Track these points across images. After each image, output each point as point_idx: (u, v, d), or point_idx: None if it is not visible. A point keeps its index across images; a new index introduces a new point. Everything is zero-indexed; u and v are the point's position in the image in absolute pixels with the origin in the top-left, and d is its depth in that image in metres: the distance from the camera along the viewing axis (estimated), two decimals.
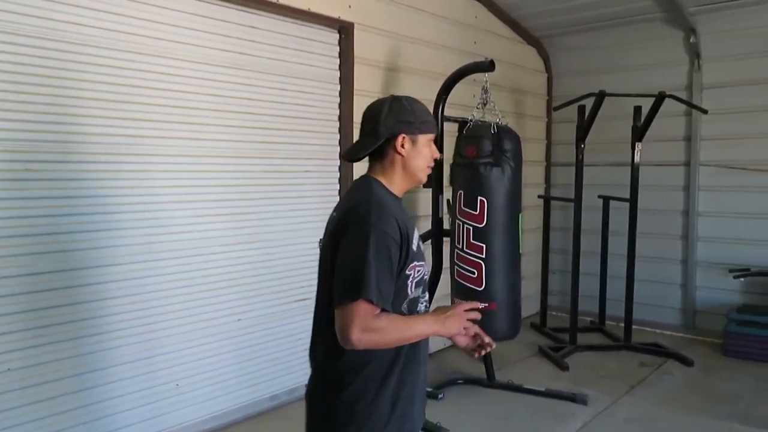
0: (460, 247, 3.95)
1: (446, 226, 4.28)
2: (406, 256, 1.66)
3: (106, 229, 3.20)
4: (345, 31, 4.30)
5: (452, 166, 4.16)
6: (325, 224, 1.80)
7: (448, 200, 4.27)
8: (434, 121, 1.82)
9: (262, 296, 3.90)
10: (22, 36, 2.84)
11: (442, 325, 1.68)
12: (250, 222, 3.81)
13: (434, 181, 4.22)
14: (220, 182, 3.69)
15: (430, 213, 4.30)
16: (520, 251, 4.03)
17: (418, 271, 1.73)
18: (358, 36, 4.33)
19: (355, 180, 1.84)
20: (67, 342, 3.07)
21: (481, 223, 3.86)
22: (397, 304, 1.67)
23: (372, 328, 1.55)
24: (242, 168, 3.77)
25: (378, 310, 1.56)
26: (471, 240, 3.88)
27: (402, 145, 1.73)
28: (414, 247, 1.71)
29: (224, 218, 3.71)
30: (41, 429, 2.98)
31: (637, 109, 5.35)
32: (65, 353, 3.06)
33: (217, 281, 3.69)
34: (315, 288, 1.78)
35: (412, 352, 1.72)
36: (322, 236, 1.79)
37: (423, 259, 1.77)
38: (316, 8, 4.01)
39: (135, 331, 3.33)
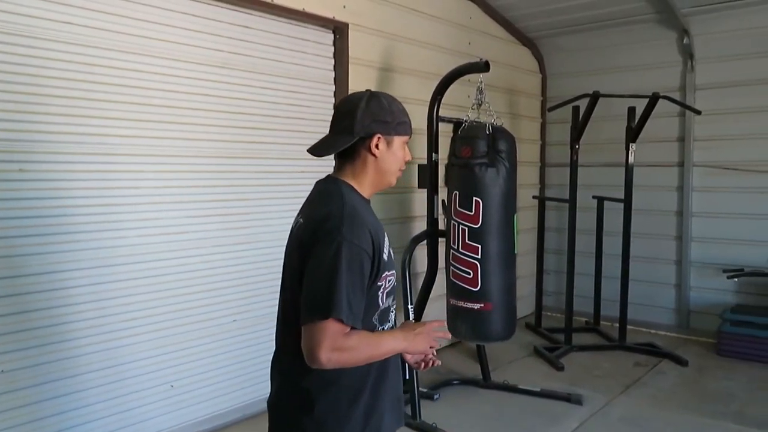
0: (456, 247, 3.95)
1: (441, 226, 4.28)
2: (378, 267, 1.58)
3: (100, 230, 3.18)
4: (339, 31, 4.30)
5: (447, 167, 4.16)
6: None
7: (443, 201, 4.27)
8: (410, 123, 1.73)
9: (257, 297, 3.89)
10: (15, 36, 2.83)
11: (411, 342, 1.63)
12: (244, 222, 3.79)
13: (429, 181, 4.22)
14: (215, 182, 3.68)
15: (425, 214, 4.31)
16: (515, 252, 4.04)
17: (389, 280, 1.65)
18: (353, 36, 4.33)
19: (322, 182, 1.73)
20: (61, 343, 3.05)
21: (477, 224, 3.86)
22: (369, 316, 1.60)
23: (342, 347, 1.47)
24: (237, 168, 3.76)
25: (348, 329, 1.48)
26: (466, 240, 3.88)
27: (377, 146, 1.65)
28: (385, 257, 1.63)
29: (218, 219, 3.70)
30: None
31: (631, 110, 5.36)
32: (59, 354, 3.04)
33: (212, 282, 3.67)
34: None
35: (384, 362, 1.66)
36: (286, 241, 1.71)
37: (394, 268, 1.69)
38: (310, 8, 4.01)
39: (131, 332, 3.32)
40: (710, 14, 5.35)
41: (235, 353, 3.78)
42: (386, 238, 1.69)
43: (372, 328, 1.63)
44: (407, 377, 4.03)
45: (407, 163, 1.76)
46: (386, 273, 1.63)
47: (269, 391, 1.75)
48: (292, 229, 1.70)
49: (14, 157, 2.87)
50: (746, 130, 5.40)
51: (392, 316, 1.73)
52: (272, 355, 1.75)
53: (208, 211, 3.66)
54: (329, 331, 1.46)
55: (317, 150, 1.71)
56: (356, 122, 1.63)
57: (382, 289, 1.62)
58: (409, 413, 3.85)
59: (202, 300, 3.64)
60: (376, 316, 1.63)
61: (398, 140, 1.69)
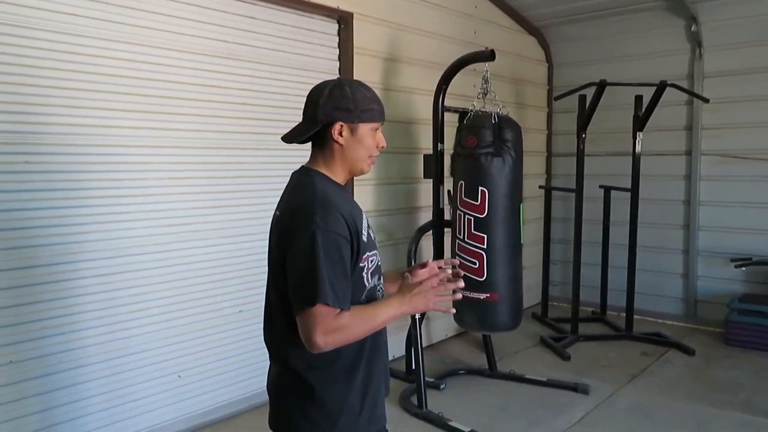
0: (462, 237, 3.94)
1: (447, 216, 4.27)
2: (358, 250, 1.63)
3: (107, 221, 3.20)
4: (344, 21, 4.28)
5: (453, 157, 4.15)
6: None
7: (448, 191, 4.26)
8: (380, 109, 1.72)
9: (263, 288, 3.83)
10: (21, 28, 2.83)
11: (409, 305, 1.64)
12: (250, 213, 3.79)
13: (435, 171, 4.21)
14: (221, 174, 3.68)
15: (431, 204, 4.30)
16: (522, 241, 4.03)
17: (371, 260, 1.70)
18: (358, 26, 4.31)
19: (296, 173, 1.76)
20: (70, 334, 3.07)
21: (482, 214, 3.85)
22: (356, 297, 1.64)
23: (335, 328, 1.53)
24: (243, 159, 3.76)
25: (337, 311, 1.54)
26: (472, 230, 3.87)
27: (340, 134, 1.67)
28: (364, 238, 1.66)
29: (225, 210, 3.71)
30: (50, 417, 3.00)
31: (638, 99, 5.32)
32: (68, 345, 3.07)
33: (218, 273, 3.69)
34: None
35: (374, 339, 1.71)
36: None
37: (375, 248, 1.74)
38: None
39: (139, 323, 3.34)
40: (718, 1, 5.30)
41: (242, 343, 3.80)
42: (364, 221, 1.72)
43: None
44: (413, 366, 4.05)
45: (382, 149, 1.77)
46: (367, 254, 1.67)
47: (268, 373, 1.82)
48: (272, 221, 1.75)
49: (20, 149, 2.88)
50: (755, 118, 5.35)
51: (380, 294, 1.77)
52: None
53: (215, 202, 3.66)
54: (319, 316, 1.52)
55: (287, 138, 1.77)
56: (318, 110, 1.67)
57: (365, 270, 1.67)
58: (416, 403, 3.87)
59: (208, 291, 3.66)
60: (363, 297, 1.68)
61: (364, 128, 1.69)
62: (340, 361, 1.65)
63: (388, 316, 1.63)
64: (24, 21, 2.84)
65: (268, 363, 1.80)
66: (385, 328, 1.77)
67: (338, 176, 1.73)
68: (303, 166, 1.77)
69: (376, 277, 1.74)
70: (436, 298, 1.67)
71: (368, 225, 1.75)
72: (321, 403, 1.64)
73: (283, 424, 1.72)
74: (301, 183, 1.69)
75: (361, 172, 1.76)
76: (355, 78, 4.24)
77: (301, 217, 1.58)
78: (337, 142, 1.68)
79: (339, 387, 1.65)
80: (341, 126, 1.67)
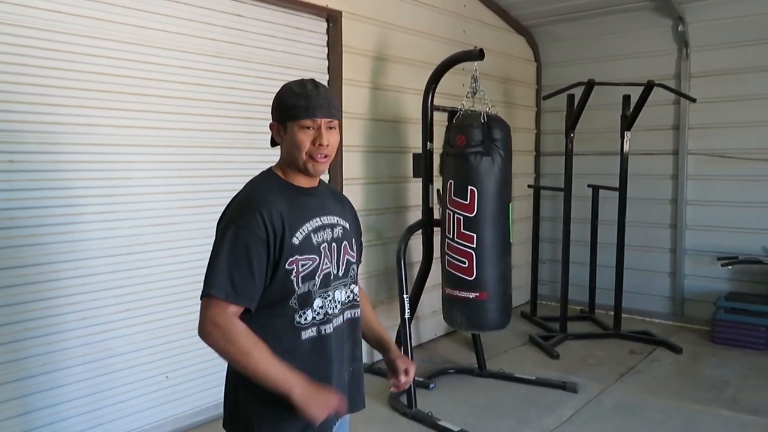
0: (451, 236, 3.94)
1: (436, 216, 4.27)
2: (281, 251, 1.59)
3: (92, 221, 3.16)
4: (333, 19, 4.26)
5: (442, 156, 4.15)
6: None
7: (438, 190, 4.26)
8: (305, 105, 1.63)
9: None
10: (4, 25, 2.79)
11: (305, 401, 1.53)
12: None
13: (424, 170, 4.21)
14: (209, 173, 3.65)
15: (420, 203, 4.29)
16: (511, 241, 4.04)
17: (303, 265, 1.63)
18: (346, 24, 4.30)
19: None
20: (53, 335, 3.03)
21: (472, 213, 3.85)
22: (284, 300, 1.62)
23: (223, 327, 1.54)
24: (230, 158, 3.74)
25: (231, 307, 1.55)
26: (461, 230, 3.87)
27: (278, 133, 1.71)
28: (295, 241, 1.62)
29: (212, 209, 3.63)
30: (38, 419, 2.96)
31: (626, 98, 5.35)
32: (52, 347, 3.02)
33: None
34: None
35: (312, 351, 1.67)
36: None
37: (314, 253, 1.66)
38: None
39: (124, 323, 3.30)
40: (705, 2, 5.33)
41: None
42: (310, 224, 1.67)
43: (291, 314, 1.63)
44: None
45: (320, 146, 1.66)
46: (296, 257, 1.62)
47: None
48: None
49: (4, 148, 2.84)
50: (741, 117, 5.39)
51: (324, 302, 1.69)
52: None
53: (202, 201, 3.63)
54: (208, 307, 1.58)
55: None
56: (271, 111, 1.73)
57: (294, 274, 1.62)
58: (405, 402, 3.86)
59: (196, 291, 3.57)
60: (293, 301, 1.63)
61: (292, 125, 1.66)
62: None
63: (277, 379, 1.53)
64: (8, 18, 2.80)
65: None
66: (353, 344, 1.79)
67: (290, 175, 1.72)
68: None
69: (311, 283, 1.65)
70: (324, 415, 1.58)
71: (323, 230, 1.69)
72: (246, 402, 1.66)
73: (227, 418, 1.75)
74: (248, 182, 1.77)
75: (305, 171, 1.69)
76: (344, 77, 4.27)
77: (224, 213, 1.68)
78: (277, 142, 1.74)
79: (258, 394, 1.60)
80: (275, 125, 1.72)
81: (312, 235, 1.67)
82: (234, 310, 1.57)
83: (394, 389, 1.97)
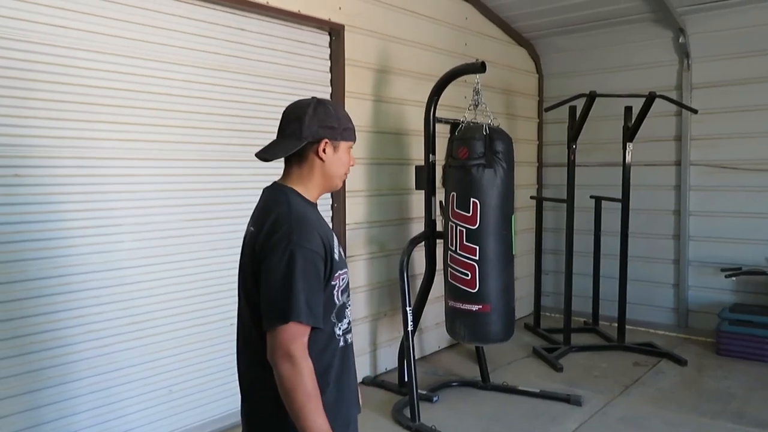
0: (454, 248, 3.94)
1: (439, 228, 4.27)
2: (331, 268, 1.65)
3: (96, 234, 3.17)
4: (335, 33, 4.29)
5: (444, 168, 4.16)
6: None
7: (440, 202, 4.26)
8: (354, 129, 1.81)
9: None
10: (10, 40, 2.81)
11: None
12: (241, 226, 3.76)
13: (426, 182, 4.22)
14: (212, 186, 3.67)
15: (423, 215, 4.30)
16: (513, 252, 4.03)
17: (343, 279, 1.72)
18: (349, 38, 4.33)
19: (268, 189, 1.78)
20: (59, 348, 3.03)
21: (474, 225, 3.85)
22: (327, 315, 1.66)
23: (296, 361, 1.52)
24: (233, 171, 3.75)
25: (307, 331, 1.56)
26: (464, 242, 3.87)
27: (324, 150, 1.71)
28: (336, 257, 1.69)
29: (215, 222, 3.69)
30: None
31: (628, 110, 5.36)
32: (57, 360, 3.02)
33: (209, 286, 3.66)
34: None
35: (342, 360, 1.72)
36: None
37: (345, 266, 1.76)
38: (306, 10, 4.00)
39: (129, 336, 3.31)
40: (706, 13, 5.36)
41: (233, 357, 3.73)
42: (335, 239, 1.75)
43: (331, 327, 1.68)
44: (406, 379, 4.03)
45: (351, 166, 1.83)
46: (339, 272, 1.70)
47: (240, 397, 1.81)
48: (245, 237, 1.75)
49: (10, 162, 2.86)
50: (743, 128, 5.40)
51: (348, 312, 1.78)
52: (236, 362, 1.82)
53: (205, 214, 3.64)
54: (290, 334, 1.54)
55: (266, 154, 1.76)
56: (304, 127, 1.69)
57: (336, 288, 1.69)
58: (408, 415, 3.84)
59: (199, 304, 3.63)
60: (333, 314, 1.69)
61: (344, 145, 1.76)
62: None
63: (315, 423, 1.54)
64: (13, 33, 2.83)
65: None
66: (352, 348, 1.80)
67: (311, 193, 1.76)
68: (275, 182, 1.79)
69: (346, 295, 1.75)
70: None
71: (338, 243, 1.76)
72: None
73: None
74: (276, 199, 1.70)
75: (335, 189, 1.83)
76: (347, 89, 4.29)
77: (279, 235, 1.59)
78: (320, 158, 1.72)
79: None
80: (326, 143, 1.71)
81: (339, 249, 1.75)
82: (307, 333, 1.57)
83: None
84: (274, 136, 1.82)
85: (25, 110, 2.89)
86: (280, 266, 1.56)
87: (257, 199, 1.81)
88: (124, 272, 3.28)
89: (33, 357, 2.94)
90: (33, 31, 2.89)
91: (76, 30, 3.04)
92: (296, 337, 1.54)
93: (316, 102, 1.74)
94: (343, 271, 1.72)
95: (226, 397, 3.74)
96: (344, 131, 1.75)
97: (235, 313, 3.74)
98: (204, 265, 3.64)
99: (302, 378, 1.53)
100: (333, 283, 1.67)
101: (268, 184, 1.82)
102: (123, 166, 3.26)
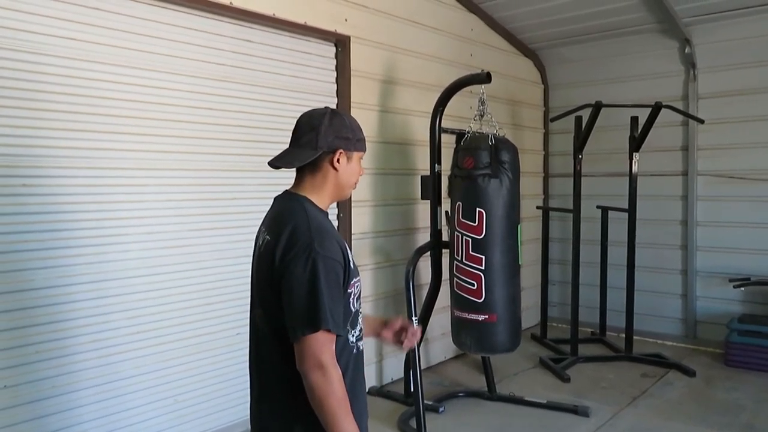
0: (459, 258, 3.93)
1: (445, 237, 4.27)
2: (348, 276, 1.67)
3: (103, 243, 3.18)
4: (341, 44, 4.32)
5: (450, 178, 4.16)
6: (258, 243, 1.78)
7: (446, 212, 4.26)
8: (365, 140, 1.85)
9: None
10: (18, 51, 2.85)
11: None
12: (246, 236, 3.75)
13: (432, 192, 4.22)
14: (218, 196, 3.69)
15: (429, 225, 4.30)
16: (520, 262, 4.02)
17: (357, 286, 1.74)
18: (355, 49, 4.35)
19: (281, 198, 1.80)
20: (64, 357, 3.04)
21: (480, 235, 3.85)
22: (344, 322, 1.68)
23: (326, 370, 1.55)
24: (239, 182, 3.77)
25: (334, 339, 1.59)
26: (470, 251, 3.87)
27: (338, 160, 1.74)
28: (352, 265, 1.72)
29: (221, 232, 3.70)
30: None
31: (634, 120, 5.36)
32: (63, 369, 3.03)
33: (215, 295, 3.67)
34: None
35: (355, 365, 1.75)
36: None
37: (358, 274, 1.78)
38: (312, 22, 4.03)
39: (134, 346, 3.31)
40: (712, 23, 5.36)
41: (238, 366, 3.75)
42: (348, 248, 1.77)
43: (346, 334, 1.70)
44: (412, 389, 4.01)
45: (360, 176, 1.86)
46: (354, 280, 1.73)
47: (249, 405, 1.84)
48: (258, 245, 1.76)
49: (18, 171, 2.88)
50: (750, 138, 5.38)
51: (360, 320, 1.80)
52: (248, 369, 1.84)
53: (211, 224, 3.66)
54: (320, 343, 1.56)
55: (280, 162, 1.77)
56: (320, 137, 1.71)
57: (352, 296, 1.71)
58: (414, 426, 3.82)
59: (205, 313, 3.63)
60: (349, 322, 1.71)
61: (356, 155, 1.80)
62: None
63: (344, 426, 1.57)
64: (21, 45, 2.86)
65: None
66: (363, 355, 1.82)
67: (323, 202, 1.78)
68: (287, 191, 1.80)
69: (359, 302, 1.77)
70: None
71: (350, 250, 1.79)
72: (310, 428, 1.64)
73: None
74: (291, 209, 1.72)
75: (345, 198, 1.87)
76: (352, 100, 4.31)
77: (300, 244, 1.60)
78: (335, 168, 1.74)
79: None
80: (341, 153, 1.74)
81: (352, 257, 1.76)
82: (333, 342, 1.60)
83: (407, 345, 1.96)
84: (280, 147, 1.83)
85: (33, 121, 2.92)
86: (304, 276, 1.57)
87: (262, 208, 1.83)
88: (130, 281, 3.29)
89: (40, 366, 2.95)
90: (41, 43, 2.92)
91: (83, 42, 3.07)
92: (325, 345, 1.57)
93: (331, 112, 1.77)
94: (357, 279, 1.75)
95: (232, 406, 3.74)
96: (357, 142, 1.78)
97: (241, 323, 3.75)
98: (209, 275, 3.65)
99: (333, 386, 1.56)
100: (349, 290, 1.69)
101: (274, 193, 1.84)
102: (130, 176, 3.28)
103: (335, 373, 1.57)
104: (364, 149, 1.82)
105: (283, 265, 1.61)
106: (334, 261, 1.61)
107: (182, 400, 3.53)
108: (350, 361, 1.72)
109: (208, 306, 3.64)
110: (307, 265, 1.57)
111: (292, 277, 1.59)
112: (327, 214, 1.80)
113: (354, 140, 1.76)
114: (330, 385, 1.56)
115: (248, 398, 3.60)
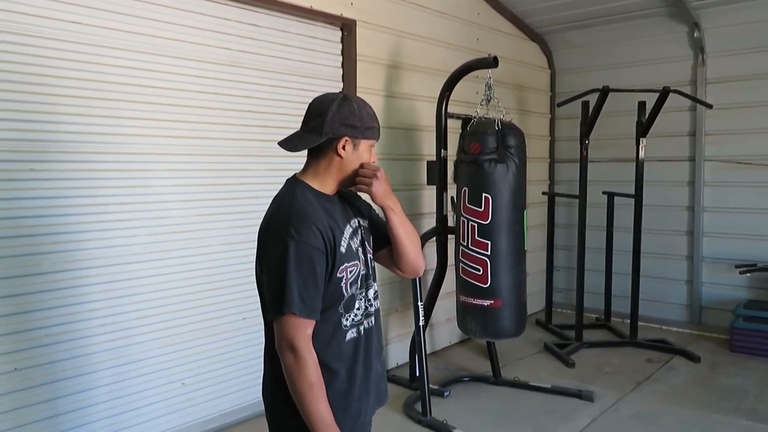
0: (465, 244, 3.94)
1: (451, 223, 4.27)
2: (334, 261, 1.66)
3: (111, 228, 3.20)
4: (347, 28, 4.29)
5: (456, 163, 4.15)
6: None
7: (452, 197, 4.26)
8: (378, 128, 1.80)
9: None
10: (25, 36, 2.85)
11: None
12: (254, 221, 3.75)
13: (438, 178, 4.22)
14: (225, 181, 3.69)
15: (434, 210, 4.30)
16: (525, 248, 4.02)
17: (351, 271, 1.72)
18: (361, 33, 4.33)
19: (285, 182, 1.81)
20: (74, 341, 3.07)
21: (486, 220, 3.85)
22: (334, 307, 1.69)
23: (299, 353, 1.58)
24: (246, 167, 3.78)
25: (307, 324, 1.60)
26: (476, 237, 3.87)
27: (343, 148, 1.71)
28: (342, 249, 1.69)
29: (228, 217, 3.71)
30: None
31: (641, 105, 5.32)
32: (73, 352, 3.07)
33: (222, 280, 3.69)
34: None
35: (356, 347, 1.75)
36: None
37: (356, 258, 1.75)
38: (318, 6, 4.01)
39: (142, 330, 3.34)
40: (721, 7, 5.31)
41: (246, 351, 3.79)
42: (346, 231, 1.74)
43: (338, 318, 1.70)
44: (417, 374, 4.04)
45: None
46: (345, 265, 1.70)
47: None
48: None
49: (25, 157, 2.89)
50: (758, 123, 5.34)
51: (360, 303, 1.78)
52: None
53: (218, 209, 3.67)
54: (286, 325, 1.59)
55: (287, 145, 1.78)
56: (325, 123, 1.69)
57: (344, 281, 1.70)
58: (420, 410, 3.85)
59: (212, 298, 3.66)
60: (341, 306, 1.71)
61: (364, 144, 1.76)
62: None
63: (316, 417, 1.59)
64: (29, 29, 2.86)
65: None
66: (378, 336, 1.83)
67: (329, 186, 1.77)
68: (293, 175, 1.80)
69: (356, 287, 1.75)
70: None
71: (350, 235, 1.75)
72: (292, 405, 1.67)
73: (274, 426, 1.79)
74: (283, 193, 1.75)
75: (352, 185, 1.81)
76: (358, 85, 4.29)
77: (276, 227, 1.65)
78: (338, 155, 1.72)
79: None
80: (346, 140, 1.71)
81: (350, 241, 1.75)
82: (309, 326, 1.61)
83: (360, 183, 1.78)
84: (286, 132, 1.83)
85: (39, 106, 2.92)
86: (276, 260, 1.61)
87: (269, 193, 1.83)
88: (138, 266, 3.31)
89: (49, 349, 2.98)
90: (47, 27, 2.92)
91: (90, 26, 3.06)
92: (297, 328, 1.59)
93: (342, 98, 1.73)
94: (352, 263, 1.72)
95: (239, 390, 3.77)
96: (366, 130, 1.74)
97: (248, 307, 3.81)
98: (216, 260, 3.67)
99: (304, 369, 1.58)
100: (339, 275, 1.68)
101: (280, 177, 1.84)
102: (136, 161, 3.29)
103: (308, 357, 1.59)
104: (374, 138, 1.77)
105: (262, 248, 1.68)
106: (311, 247, 1.60)
107: (190, 383, 3.56)
108: (347, 345, 1.73)
109: (214, 291, 3.66)
110: (279, 247, 1.60)
111: (267, 260, 1.65)
112: (332, 197, 1.77)
113: (362, 128, 1.72)
114: (300, 369, 1.58)
115: (255, 381, 3.65)
